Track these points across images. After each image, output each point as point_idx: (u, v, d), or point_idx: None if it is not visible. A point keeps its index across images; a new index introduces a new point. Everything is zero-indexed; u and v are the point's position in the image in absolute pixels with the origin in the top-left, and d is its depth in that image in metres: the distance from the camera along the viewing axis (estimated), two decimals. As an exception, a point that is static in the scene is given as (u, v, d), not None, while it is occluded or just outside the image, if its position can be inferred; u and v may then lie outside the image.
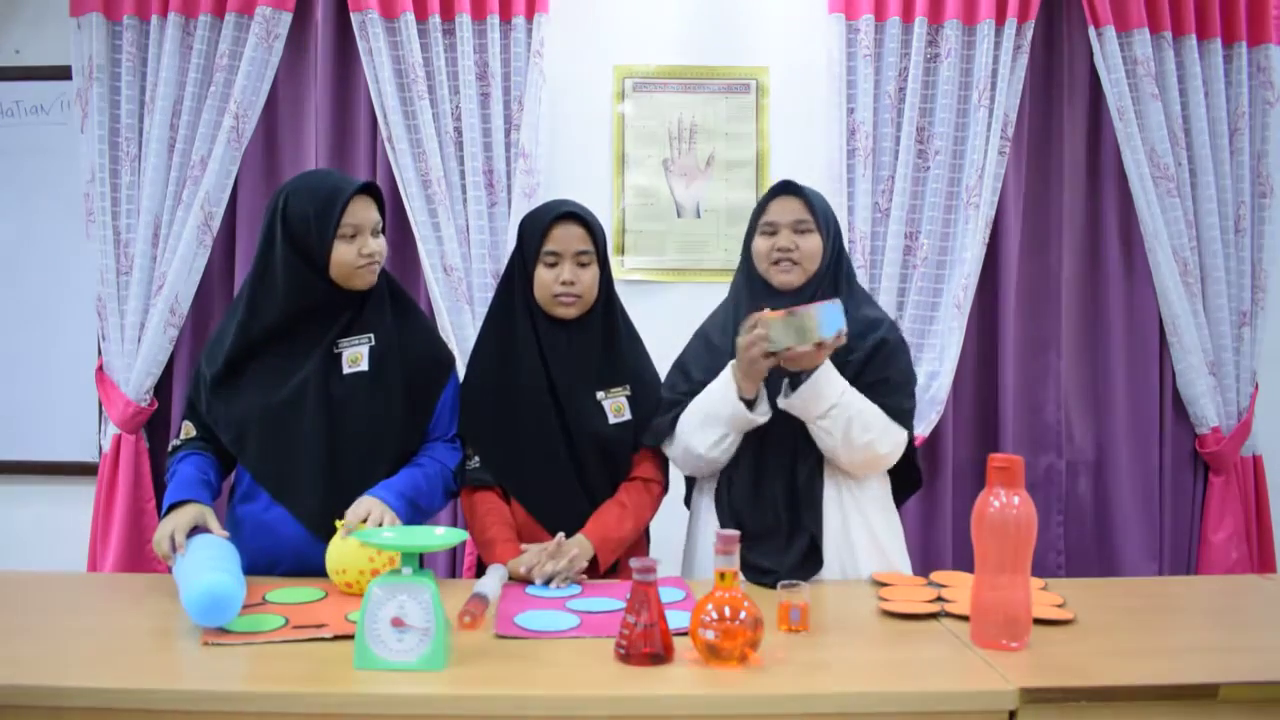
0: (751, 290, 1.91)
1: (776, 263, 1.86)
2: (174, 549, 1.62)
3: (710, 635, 1.36)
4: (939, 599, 1.66)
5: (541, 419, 1.90)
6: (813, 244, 1.86)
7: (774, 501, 1.84)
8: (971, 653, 1.43)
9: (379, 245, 1.83)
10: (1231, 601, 1.81)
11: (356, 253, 1.78)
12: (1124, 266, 3.00)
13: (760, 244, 1.89)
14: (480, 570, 1.95)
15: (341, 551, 1.66)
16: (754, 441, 1.85)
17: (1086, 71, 2.96)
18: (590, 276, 1.90)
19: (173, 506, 1.72)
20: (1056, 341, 2.97)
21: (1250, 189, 2.95)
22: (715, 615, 1.36)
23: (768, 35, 2.98)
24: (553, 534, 1.88)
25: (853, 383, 1.79)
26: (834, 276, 1.90)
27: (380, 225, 1.85)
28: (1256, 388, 2.99)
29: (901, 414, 1.84)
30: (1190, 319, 2.90)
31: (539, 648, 1.44)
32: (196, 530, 1.68)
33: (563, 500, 1.90)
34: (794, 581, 1.57)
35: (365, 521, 1.69)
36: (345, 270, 1.79)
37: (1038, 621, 1.52)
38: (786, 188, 1.89)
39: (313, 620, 1.52)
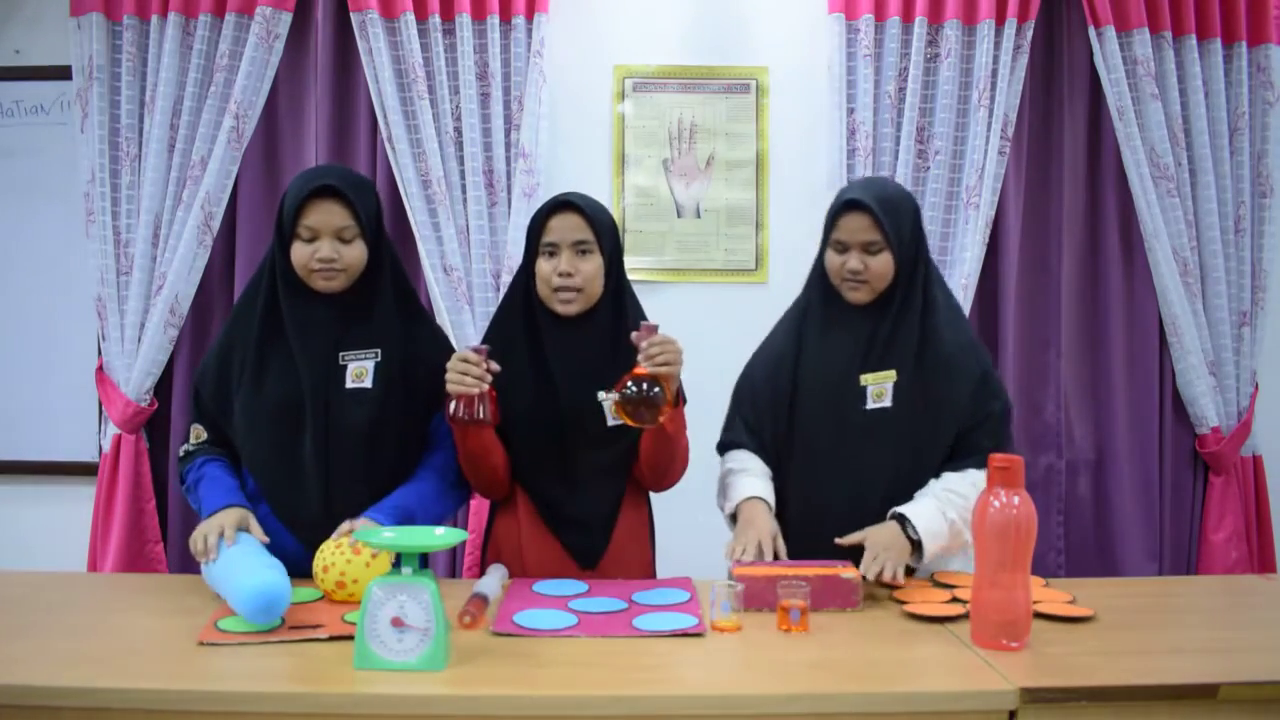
0: (825, 299, 1.91)
1: (848, 282, 1.85)
2: (216, 544, 1.61)
3: (628, 390, 1.64)
4: (954, 600, 1.65)
5: (535, 420, 1.85)
6: (882, 264, 1.81)
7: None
8: (971, 653, 1.43)
9: (336, 251, 1.75)
10: (1231, 601, 1.81)
11: (310, 256, 1.75)
12: (1124, 266, 3.00)
13: (832, 260, 1.86)
14: (481, 570, 1.95)
15: (332, 557, 1.64)
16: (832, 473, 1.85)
17: (1086, 71, 2.96)
18: (591, 268, 1.81)
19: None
20: (1056, 341, 2.97)
21: (1250, 189, 2.96)
22: (631, 389, 1.65)
23: (768, 35, 2.99)
24: (560, 535, 1.87)
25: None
26: (907, 286, 1.84)
27: (349, 232, 1.76)
28: (1256, 388, 2.99)
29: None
30: (1190, 319, 2.90)
31: (538, 647, 1.44)
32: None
33: (566, 498, 1.87)
34: (794, 581, 1.57)
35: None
36: (302, 272, 1.77)
37: (1055, 619, 1.54)
38: (855, 204, 1.81)
39: (309, 621, 1.52)
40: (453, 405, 1.71)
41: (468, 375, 1.69)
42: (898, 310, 1.84)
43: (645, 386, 1.66)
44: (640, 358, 1.68)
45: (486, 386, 1.71)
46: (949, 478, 1.81)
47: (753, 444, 1.94)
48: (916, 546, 1.73)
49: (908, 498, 1.80)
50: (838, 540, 1.72)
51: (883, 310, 1.84)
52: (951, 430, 1.83)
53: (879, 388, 1.83)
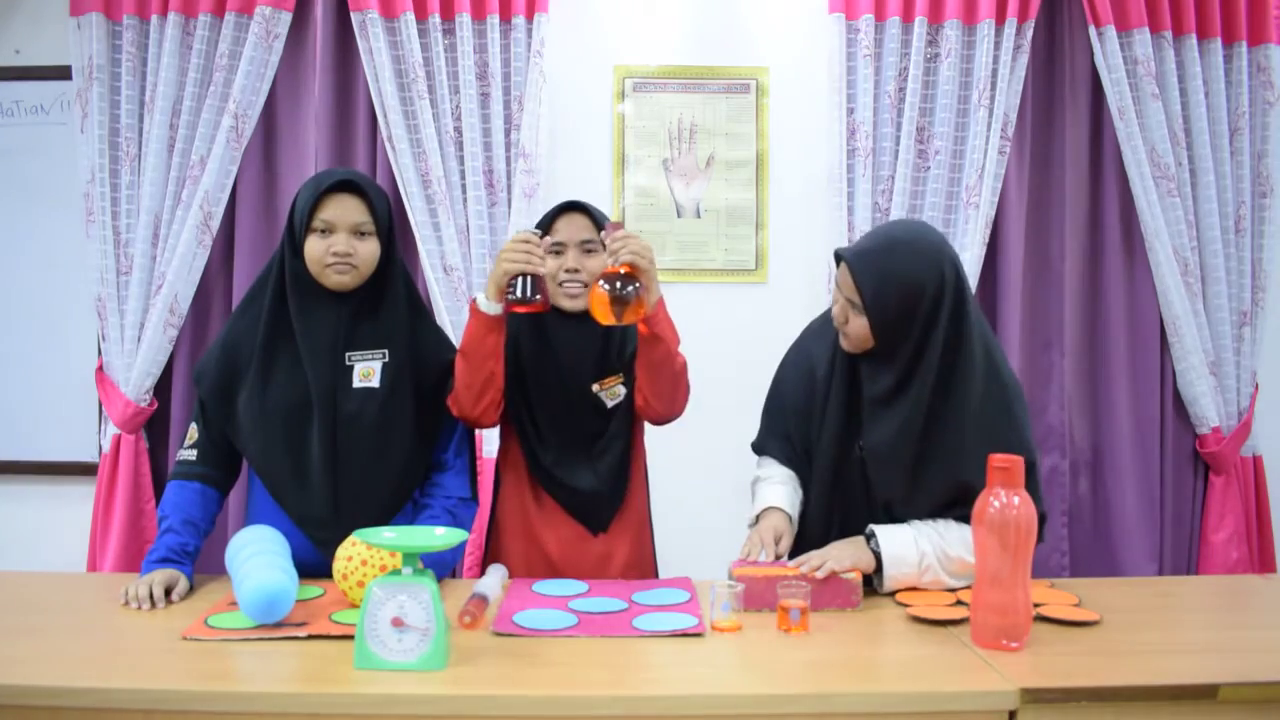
0: (829, 336, 1.82)
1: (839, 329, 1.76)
2: (151, 601, 1.62)
3: (602, 288, 1.67)
4: (959, 603, 1.64)
5: (535, 411, 1.91)
6: (859, 326, 1.68)
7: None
8: (971, 653, 1.43)
9: (352, 246, 1.76)
10: (1231, 601, 1.81)
11: (325, 250, 1.75)
12: (1125, 266, 3.00)
13: (833, 304, 1.77)
14: (482, 570, 1.95)
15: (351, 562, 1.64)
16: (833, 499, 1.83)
17: (1087, 71, 2.96)
18: (597, 265, 1.87)
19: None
20: (1059, 341, 2.96)
21: (1250, 189, 2.95)
22: (606, 285, 1.67)
23: (768, 35, 2.99)
24: (577, 513, 1.90)
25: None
26: (911, 360, 1.67)
27: (367, 227, 1.77)
28: (1256, 388, 2.99)
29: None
30: (1190, 319, 2.90)
31: (538, 647, 1.44)
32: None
33: (570, 471, 1.90)
34: (794, 581, 1.57)
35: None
36: (314, 267, 1.77)
37: (1062, 623, 1.54)
38: (839, 256, 1.71)
39: (298, 619, 1.53)
40: (506, 287, 1.74)
41: (531, 255, 1.72)
42: (895, 379, 1.70)
43: (618, 284, 1.68)
44: (606, 255, 1.72)
45: (545, 268, 1.75)
46: (939, 521, 1.72)
47: (782, 451, 1.91)
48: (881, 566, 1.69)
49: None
50: (799, 564, 1.65)
51: (879, 373, 1.72)
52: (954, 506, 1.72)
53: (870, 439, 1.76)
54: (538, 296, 1.73)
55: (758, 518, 1.83)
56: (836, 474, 1.81)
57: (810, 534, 1.83)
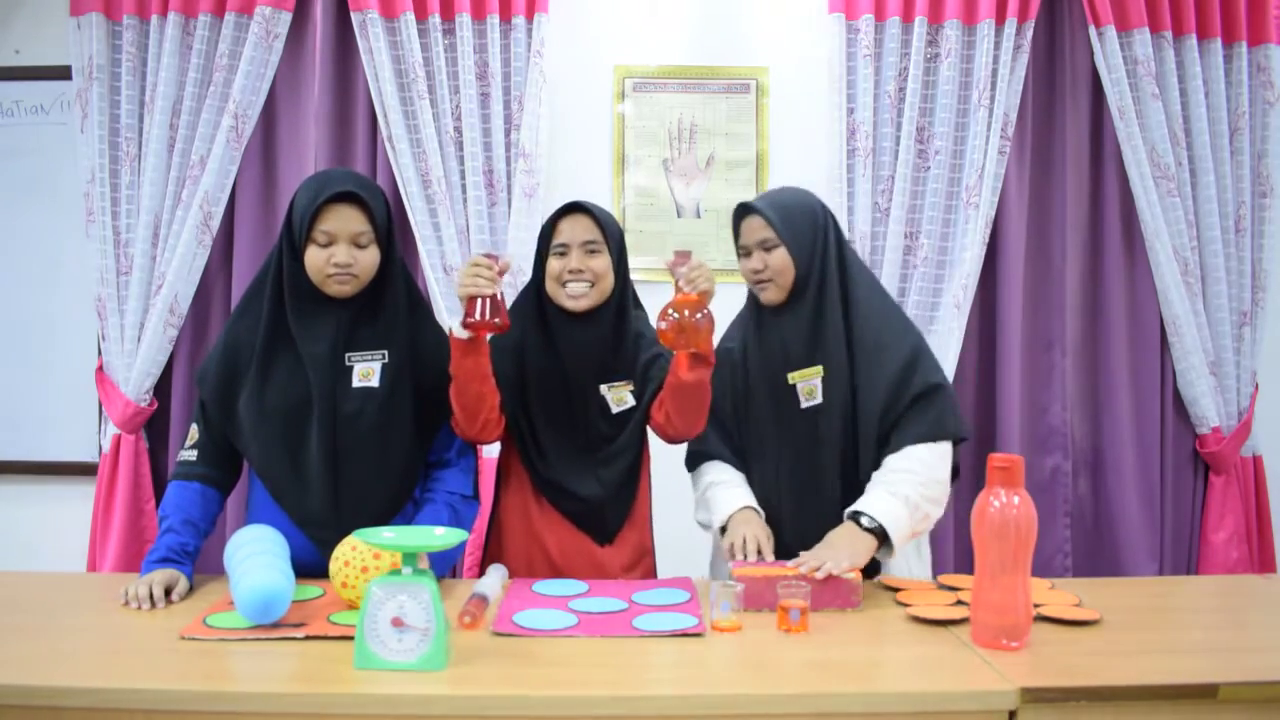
0: (756, 304, 1.97)
1: (756, 283, 1.90)
2: (151, 601, 1.62)
3: (672, 316, 1.69)
4: (959, 603, 1.64)
5: (544, 411, 1.91)
6: (779, 259, 1.85)
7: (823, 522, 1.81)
8: (971, 653, 1.43)
9: (352, 257, 1.75)
10: (1231, 601, 1.81)
11: (326, 260, 1.75)
12: (1125, 266, 3.00)
13: (741, 266, 1.93)
14: (482, 570, 1.95)
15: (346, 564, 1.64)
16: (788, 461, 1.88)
17: (1087, 71, 2.96)
18: (601, 265, 1.87)
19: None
20: (1061, 341, 2.96)
21: (1250, 189, 2.96)
22: (675, 314, 1.69)
23: (768, 35, 2.99)
24: (582, 524, 1.90)
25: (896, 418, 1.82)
26: (820, 282, 1.86)
27: (366, 237, 1.76)
28: (1256, 388, 2.99)
29: (941, 427, 1.83)
30: (1190, 319, 2.90)
31: (538, 647, 1.44)
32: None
33: (575, 480, 1.90)
34: (794, 582, 1.57)
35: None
36: (315, 276, 1.77)
37: (1062, 622, 1.54)
38: (746, 208, 1.90)
39: (296, 619, 1.53)
40: (466, 310, 1.72)
41: (480, 277, 1.70)
42: (813, 308, 1.86)
43: (689, 312, 1.71)
44: (681, 283, 1.72)
45: (499, 289, 1.73)
46: (890, 460, 1.81)
47: (725, 452, 1.96)
48: (883, 538, 1.72)
49: (860, 490, 1.81)
50: (798, 565, 1.66)
51: (798, 309, 1.87)
52: (886, 415, 1.82)
53: (808, 385, 1.86)
54: (497, 319, 1.71)
55: (728, 521, 1.84)
56: (778, 416, 1.88)
57: (762, 495, 1.89)
